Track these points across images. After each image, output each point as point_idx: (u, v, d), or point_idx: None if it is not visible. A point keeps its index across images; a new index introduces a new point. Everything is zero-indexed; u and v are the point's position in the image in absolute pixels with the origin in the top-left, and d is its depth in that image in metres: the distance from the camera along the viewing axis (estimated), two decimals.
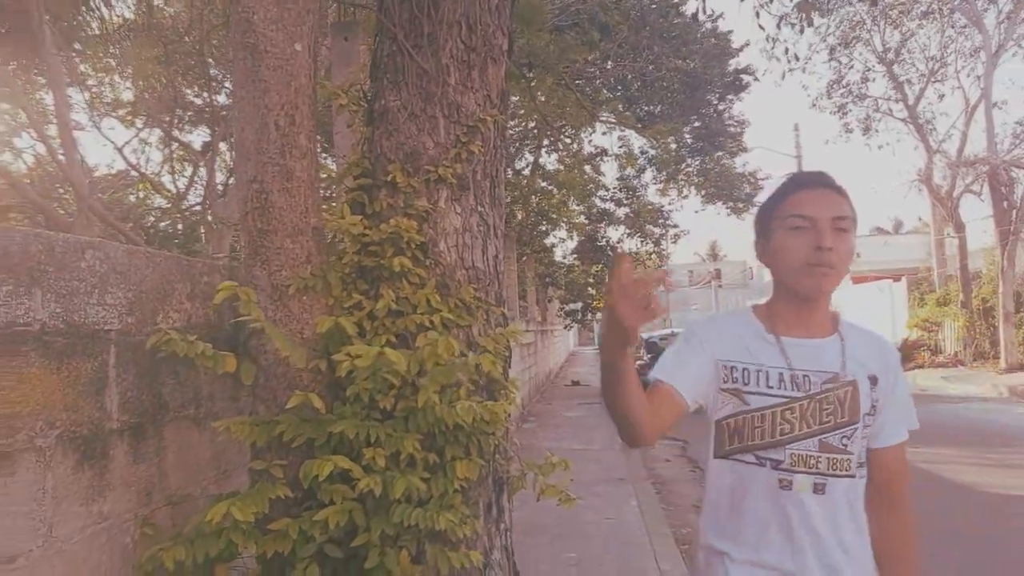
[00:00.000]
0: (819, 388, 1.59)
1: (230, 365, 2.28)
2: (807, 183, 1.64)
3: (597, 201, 16.99)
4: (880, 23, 19.70)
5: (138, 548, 2.21)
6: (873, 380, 1.63)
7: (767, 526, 1.60)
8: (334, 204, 3.01)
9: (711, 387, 1.67)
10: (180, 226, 12.07)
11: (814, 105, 21.86)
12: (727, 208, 19.20)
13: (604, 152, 16.39)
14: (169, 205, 13.10)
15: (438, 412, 2.26)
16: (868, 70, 21.06)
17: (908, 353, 19.98)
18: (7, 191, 9.78)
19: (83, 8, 8.92)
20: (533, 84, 7.24)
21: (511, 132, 14.68)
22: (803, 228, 1.58)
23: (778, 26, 7.49)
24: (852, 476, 1.60)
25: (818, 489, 1.57)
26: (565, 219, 15.61)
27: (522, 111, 11.37)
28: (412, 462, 2.32)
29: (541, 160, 16.19)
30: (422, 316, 2.44)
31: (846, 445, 1.59)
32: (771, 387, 1.61)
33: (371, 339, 2.44)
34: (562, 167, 15.39)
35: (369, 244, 2.54)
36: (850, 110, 21.75)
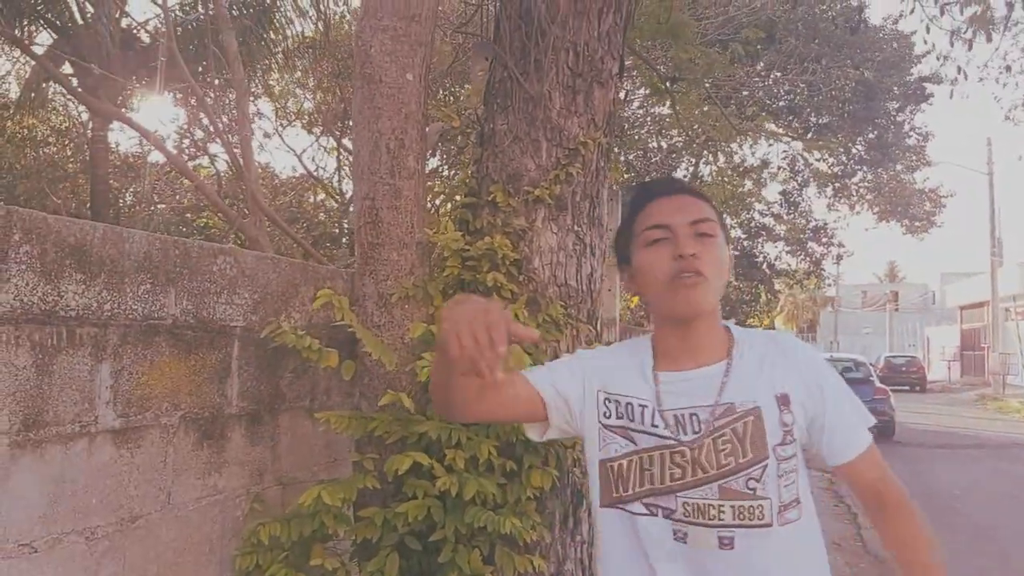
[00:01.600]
0: (711, 425, 1.34)
1: (332, 360, 2.52)
2: (658, 192, 1.44)
3: (756, 215, 16.47)
4: None
5: (247, 521, 2.49)
6: (783, 400, 1.35)
7: None
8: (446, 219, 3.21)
9: (585, 415, 1.45)
10: (346, 227, 12.94)
11: (1008, 118, 20.02)
12: (902, 227, 18.00)
13: (765, 164, 15.87)
14: (338, 209, 14.06)
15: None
16: None
17: None
18: (197, 192, 10.94)
19: (269, 28, 9.81)
20: (680, 98, 7.21)
21: (673, 142, 14.56)
22: (661, 240, 1.37)
23: (951, 43, 7.00)
24: (769, 525, 1.30)
25: (724, 544, 1.31)
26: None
27: (675, 124, 11.26)
28: (491, 467, 2.46)
29: (699, 171, 15.93)
30: None
31: (754, 489, 1.31)
32: (656, 426, 1.37)
33: None
34: (720, 179, 15.06)
35: (468, 259, 2.71)
36: None
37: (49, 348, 1.82)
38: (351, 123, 12.82)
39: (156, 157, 12.04)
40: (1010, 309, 26.73)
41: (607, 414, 1.42)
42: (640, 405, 1.39)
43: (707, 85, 7.56)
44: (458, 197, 3.02)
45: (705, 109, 9.82)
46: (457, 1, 8.29)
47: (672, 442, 1.35)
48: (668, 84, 6.49)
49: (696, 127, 9.59)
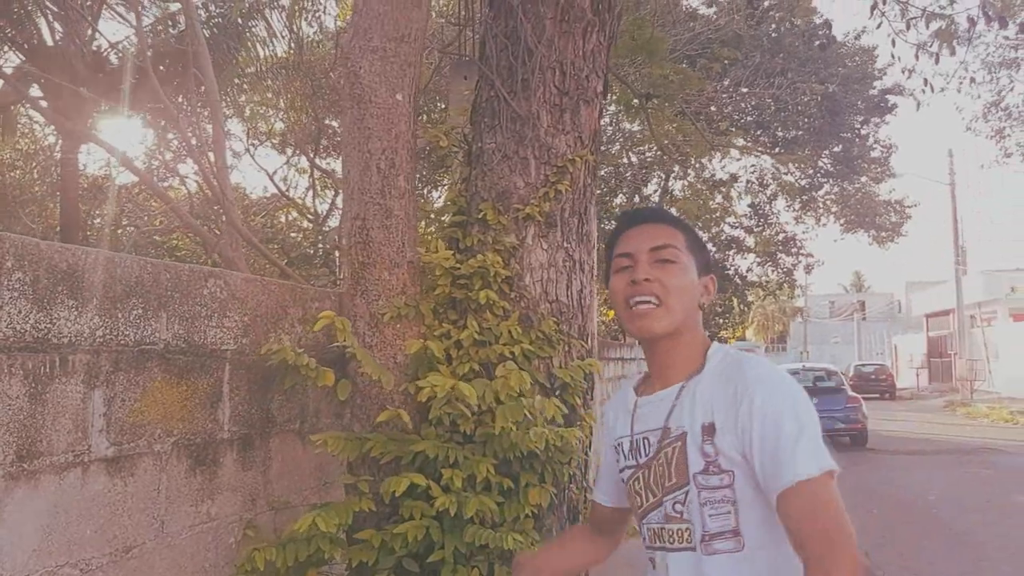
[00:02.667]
0: (656, 448, 1.39)
1: (328, 379, 2.51)
2: (629, 221, 1.51)
3: (726, 228, 16.67)
4: None
5: (240, 548, 2.45)
6: (708, 430, 1.31)
7: None
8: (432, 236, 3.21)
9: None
10: (321, 247, 12.86)
11: (969, 129, 20.52)
12: (869, 237, 18.30)
13: (735, 179, 16.08)
14: (311, 228, 13.99)
15: (513, 438, 2.38)
16: None
17: None
18: (170, 213, 10.81)
19: (242, 47, 9.77)
20: (652, 114, 7.29)
21: (643, 158, 14.70)
22: (625, 268, 1.43)
23: (916, 56, 7.17)
24: (692, 550, 1.32)
25: (672, 569, 1.36)
26: None
27: (647, 140, 11.39)
28: (488, 485, 2.45)
29: (670, 186, 16.10)
30: (503, 347, 2.58)
31: (680, 512, 1.34)
32: (628, 456, 1.46)
33: (456, 366, 2.60)
34: (690, 194, 15.23)
35: (459, 277, 2.71)
36: (1009, 134, 20.25)
37: (42, 376, 1.78)
38: (324, 143, 12.76)
39: (126, 179, 11.89)
40: (975, 316, 27.29)
41: (618, 461, 1.51)
42: (622, 438, 1.49)
43: (678, 101, 7.66)
44: (446, 217, 3.02)
45: (675, 125, 9.94)
46: (440, 22, 8.35)
47: (634, 467, 1.44)
48: (643, 101, 6.58)
49: (666, 142, 9.71)
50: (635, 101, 6.37)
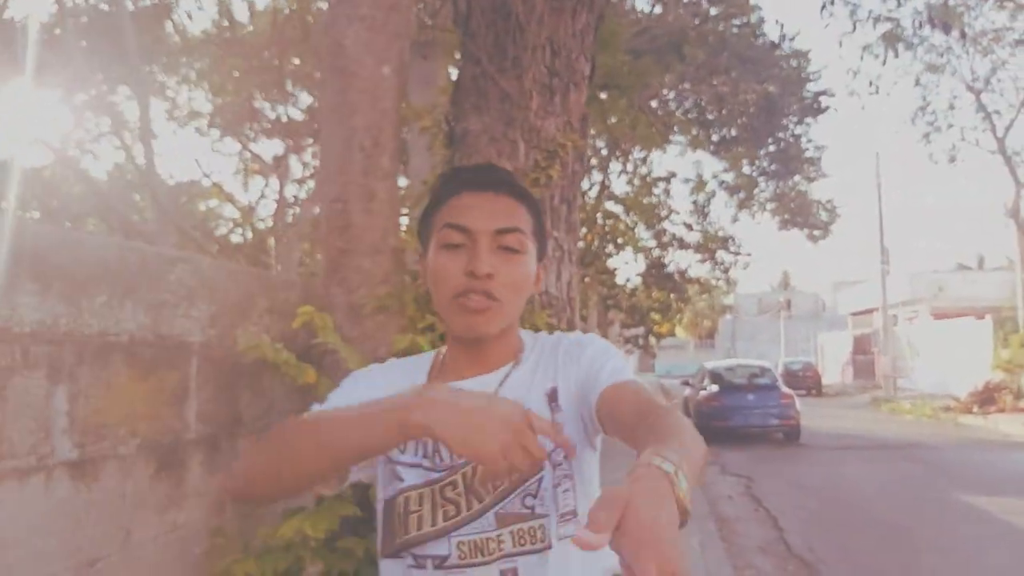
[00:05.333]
0: None
1: (310, 376, 2.32)
2: (470, 183, 1.20)
3: (668, 225, 16.89)
4: (969, 51, 19.12)
5: (209, 558, 2.24)
6: (552, 396, 1.18)
7: None
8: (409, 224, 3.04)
9: None
10: (249, 236, 12.44)
11: (897, 132, 21.30)
12: (804, 234, 18.82)
13: (674, 175, 16.28)
14: (240, 216, 13.51)
15: None
16: (955, 98, 20.42)
17: (990, 396, 19.08)
18: (86, 196, 10.24)
19: (166, 22, 9.31)
20: (606, 105, 7.23)
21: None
22: (458, 245, 1.16)
23: (861, 57, 7.32)
24: (549, 548, 1.12)
25: None
26: (631, 244, 15.54)
27: (592, 131, 11.36)
28: None
29: (608, 182, 16.16)
30: None
31: (533, 507, 1.12)
32: (426, 457, 1.16)
33: None
34: (631, 189, 15.33)
35: None
36: (934, 139, 21.08)
37: (3, 369, 1.56)
38: (255, 126, 12.24)
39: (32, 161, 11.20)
40: (899, 315, 28.35)
41: (392, 456, 1.20)
42: None
43: (631, 94, 7.63)
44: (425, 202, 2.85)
45: (625, 119, 9.92)
46: None
47: (445, 471, 1.14)
48: (598, 92, 6.50)
49: (623, 135, 9.69)
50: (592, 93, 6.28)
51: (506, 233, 1.16)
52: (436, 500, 1.14)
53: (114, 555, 1.88)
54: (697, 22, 12.67)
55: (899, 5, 7.32)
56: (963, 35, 7.95)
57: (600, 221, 14.32)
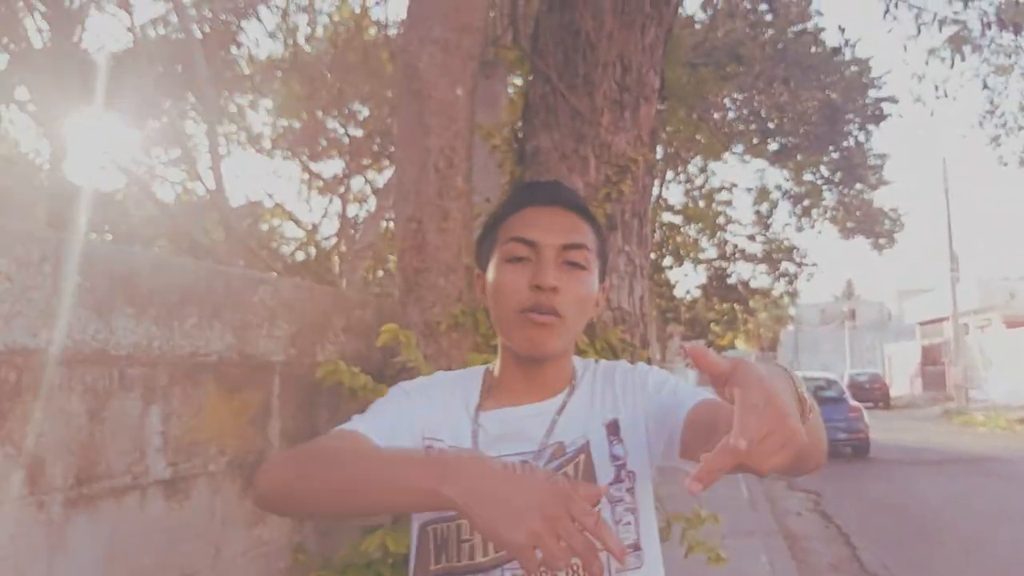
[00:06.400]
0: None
1: None
2: (536, 198, 1.18)
3: (728, 236, 16.65)
4: None
5: (292, 574, 2.28)
6: (612, 428, 1.15)
7: None
8: None
9: None
10: (313, 254, 12.66)
11: (964, 136, 20.67)
12: (869, 243, 18.34)
13: (734, 185, 16.07)
14: (304, 235, 13.78)
15: None
16: None
17: None
18: (156, 219, 10.57)
19: (233, 48, 9.60)
20: (664, 116, 7.20)
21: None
22: (523, 259, 1.13)
23: (926, 61, 7.12)
24: None
25: None
26: (693, 255, 15.36)
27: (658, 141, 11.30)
28: None
29: (664, 193, 16.03)
30: None
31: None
32: None
33: None
34: (689, 201, 15.16)
35: None
36: (1004, 142, 20.33)
37: (101, 392, 1.61)
38: (318, 147, 12.45)
39: (107, 185, 11.63)
40: (969, 324, 27.34)
41: None
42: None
43: (692, 103, 7.57)
44: None
45: (686, 129, 9.84)
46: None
47: None
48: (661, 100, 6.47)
49: (683, 145, 9.62)
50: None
51: (572, 249, 1.14)
52: (457, 535, 1.08)
53: (205, 571, 1.93)
54: (751, 31, 12.54)
55: (965, 7, 7.06)
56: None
57: (657, 233, 14.21)
